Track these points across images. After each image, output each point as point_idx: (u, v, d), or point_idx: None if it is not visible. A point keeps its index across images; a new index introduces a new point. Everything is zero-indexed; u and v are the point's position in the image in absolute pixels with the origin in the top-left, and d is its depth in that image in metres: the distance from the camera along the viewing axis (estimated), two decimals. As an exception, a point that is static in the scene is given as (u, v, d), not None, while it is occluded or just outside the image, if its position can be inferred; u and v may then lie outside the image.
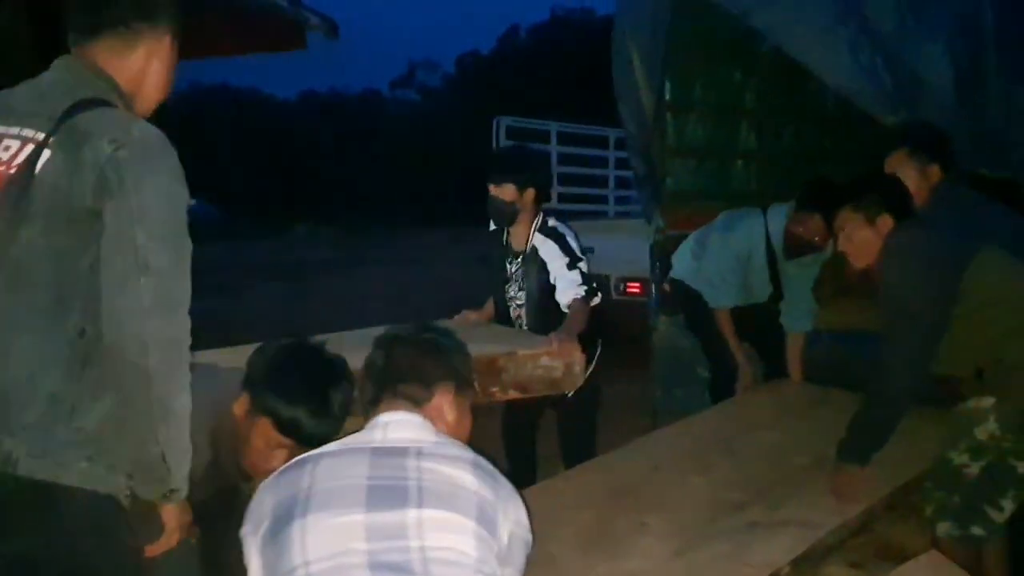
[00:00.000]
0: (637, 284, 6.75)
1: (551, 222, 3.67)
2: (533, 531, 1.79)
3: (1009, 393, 2.62)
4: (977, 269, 2.61)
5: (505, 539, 1.66)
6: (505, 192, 3.55)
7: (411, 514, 1.55)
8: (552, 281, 3.56)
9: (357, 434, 1.76)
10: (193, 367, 1.73)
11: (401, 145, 37.21)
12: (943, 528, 2.72)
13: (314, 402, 1.98)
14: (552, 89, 29.73)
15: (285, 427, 1.98)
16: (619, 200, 9.62)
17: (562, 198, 9.27)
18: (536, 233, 3.62)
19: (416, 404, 1.80)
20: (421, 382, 1.82)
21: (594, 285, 3.56)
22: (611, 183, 9.82)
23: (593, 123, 9.75)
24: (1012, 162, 3.72)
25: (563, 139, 9.28)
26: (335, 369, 2.09)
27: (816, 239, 3.83)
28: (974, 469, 2.70)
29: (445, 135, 35.13)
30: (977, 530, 2.70)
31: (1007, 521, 2.71)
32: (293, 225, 30.64)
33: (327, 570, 1.50)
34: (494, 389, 3.00)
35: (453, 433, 1.83)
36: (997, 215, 2.98)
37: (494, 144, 8.53)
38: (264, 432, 2.00)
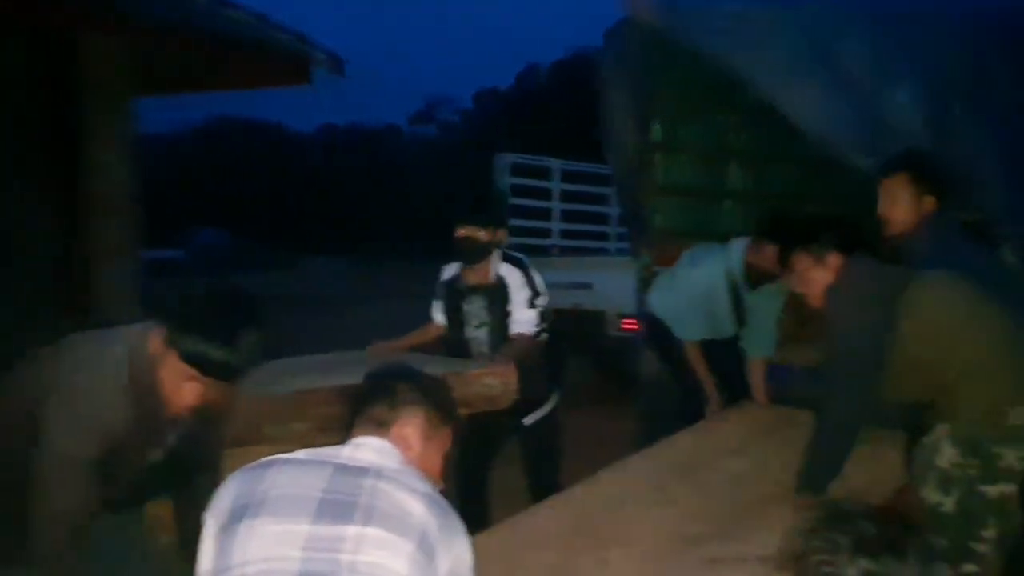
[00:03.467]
0: (634, 321, 6.80)
1: (510, 252, 3.90)
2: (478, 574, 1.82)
3: (958, 416, 2.68)
4: (915, 293, 2.69)
5: (443, 571, 1.68)
6: (483, 233, 3.75)
7: (351, 530, 1.61)
8: (509, 308, 3.75)
9: (328, 447, 1.82)
10: None
11: (418, 179, 37.48)
12: (938, 573, 2.68)
13: (219, 337, 2.08)
14: (568, 126, 29.91)
15: (189, 359, 2.09)
16: (621, 237, 9.69)
17: (564, 234, 9.39)
18: (501, 263, 3.81)
19: (380, 426, 1.84)
20: (387, 403, 1.87)
21: (545, 326, 3.80)
22: (613, 220, 9.90)
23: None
24: (981, 203, 3.78)
25: (566, 177, 9.41)
26: (245, 308, 2.19)
27: (773, 268, 3.92)
28: (949, 506, 2.71)
29: (462, 170, 35.38)
30: (970, 567, 2.69)
31: (996, 549, 2.71)
32: (309, 257, 30.92)
33: (258, 572, 1.58)
34: None
35: (419, 464, 1.85)
36: (980, 253, 3.11)
37: (497, 180, 8.66)
38: (173, 366, 2.11)
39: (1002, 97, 3.77)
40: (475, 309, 3.86)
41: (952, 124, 3.77)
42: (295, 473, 1.71)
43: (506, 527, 2.98)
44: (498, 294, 3.78)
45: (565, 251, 9.09)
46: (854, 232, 2.94)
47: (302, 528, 1.61)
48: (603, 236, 10.12)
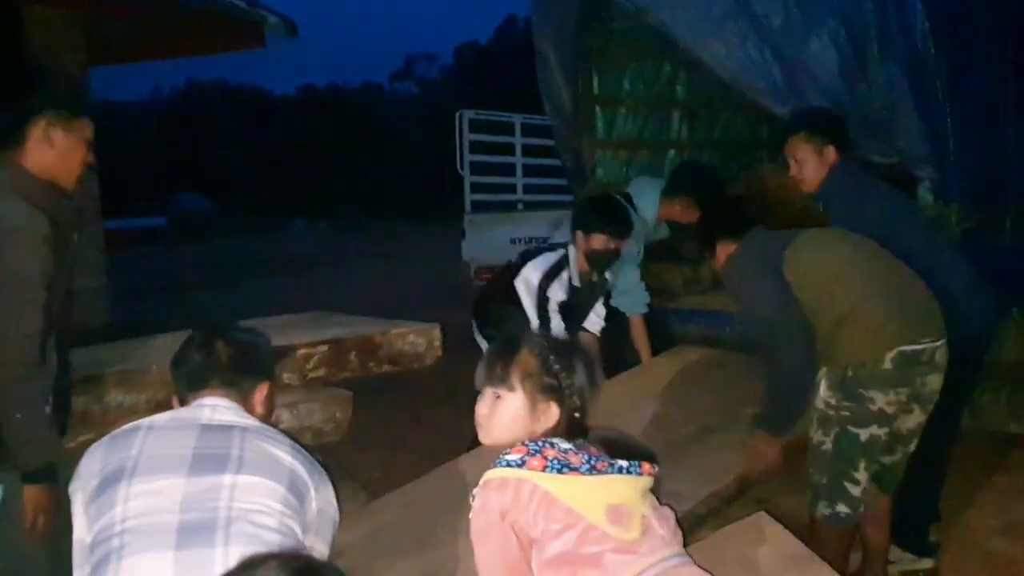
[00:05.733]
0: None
1: None
2: (341, 511, 2.00)
3: (834, 360, 2.78)
4: (793, 252, 2.82)
5: (313, 511, 1.86)
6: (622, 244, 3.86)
7: (227, 479, 1.74)
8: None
9: (183, 410, 1.94)
10: None
11: (400, 138, 37.17)
12: (819, 509, 2.82)
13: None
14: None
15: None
16: (585, 189, 9.71)
17: (527, 189, 9.41)
18: None
19: (241, 394, 1.98)
20: (246, 375, 2.00)
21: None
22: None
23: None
24: (898, 148, 3.87)
25: (527, 131, 9.39)
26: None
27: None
28: (828, 444, 2.80)
29: (444, 127, 34.99)
30: (842, 508, 2.78)
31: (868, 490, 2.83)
32: (290, 220, 30.84)
33: (139, 526, 1.68)
34: (371, 364, 3.38)
35: (265, 422, 2.00)
36: (885, 192, 3.23)
37: (457, 138, 8.66)
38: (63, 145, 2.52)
39: (916, 43, 3.82)
40: (597, 304, 4.07)
41: (867, 70, 3.84)
42: (162, 435, 1.83)
43: (449, 467, 3.08)
44: (599, 291, 4.03)
45: (530, 206, 9.12)
46: (737, 215, 3.10)
47: (179, 482, 1.73)
48: (567, 190, 10.12)
